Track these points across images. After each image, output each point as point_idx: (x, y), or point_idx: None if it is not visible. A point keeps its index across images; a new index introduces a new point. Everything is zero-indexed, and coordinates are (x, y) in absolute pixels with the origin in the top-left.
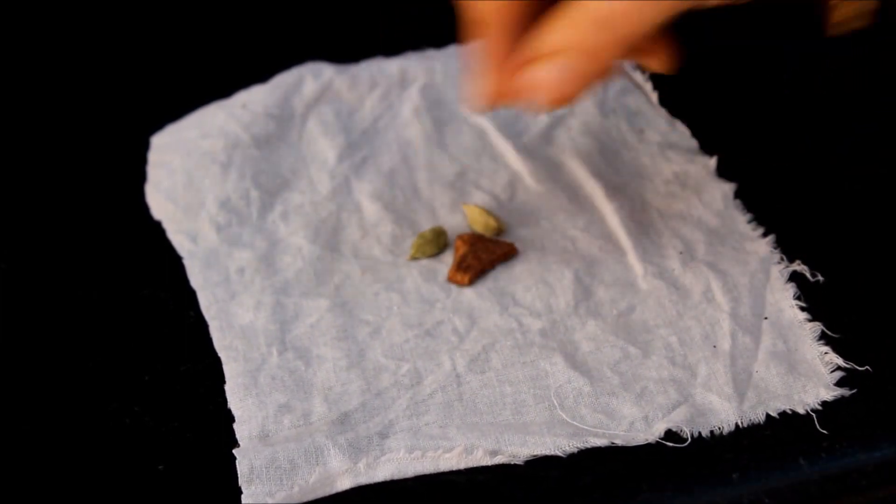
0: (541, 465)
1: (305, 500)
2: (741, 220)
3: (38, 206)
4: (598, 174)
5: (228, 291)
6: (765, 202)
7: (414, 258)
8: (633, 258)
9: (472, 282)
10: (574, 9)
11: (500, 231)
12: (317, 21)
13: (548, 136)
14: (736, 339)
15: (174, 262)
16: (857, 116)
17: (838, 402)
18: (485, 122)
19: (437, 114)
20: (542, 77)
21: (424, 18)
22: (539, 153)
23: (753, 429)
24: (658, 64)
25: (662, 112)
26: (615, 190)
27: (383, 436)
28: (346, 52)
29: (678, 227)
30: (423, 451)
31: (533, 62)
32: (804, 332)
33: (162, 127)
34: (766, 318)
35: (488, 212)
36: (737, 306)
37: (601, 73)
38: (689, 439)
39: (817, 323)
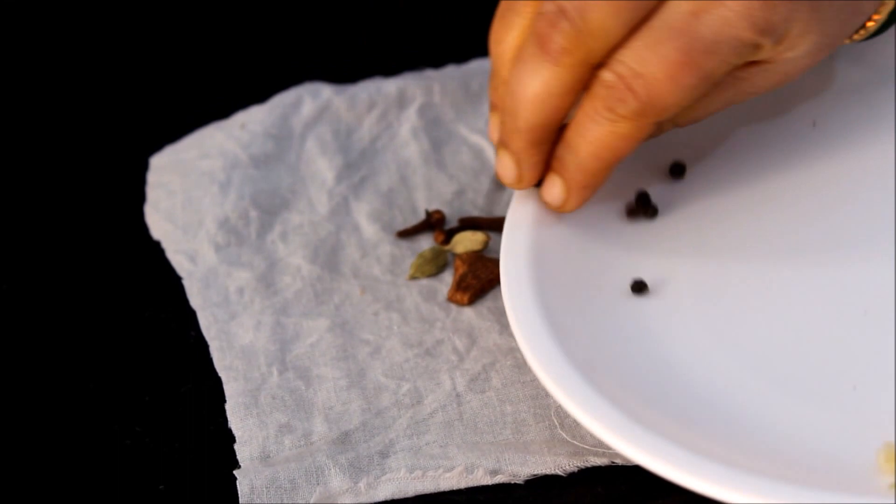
0: (541, 485)
1: None
2: None
3: (38, 227)
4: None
5: (228, 311)
6: None
7: (413, 278)
8: None
9: (471, 301)
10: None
11: (487, 242)
12: (315, 41)
13: None
14: None
15: (174, 283)
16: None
17: None
18: (483, 142)
19: (436, 133)
20: (544, 195)
21: (423, 38)
22: None
23: None
24: None
25: None
26: None
27: (384, 455)
28: (344, 72)
29: None
30: (424, 471)
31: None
32: None
33: (161, 148)
34: None
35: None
36: None
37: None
38: None
39: None
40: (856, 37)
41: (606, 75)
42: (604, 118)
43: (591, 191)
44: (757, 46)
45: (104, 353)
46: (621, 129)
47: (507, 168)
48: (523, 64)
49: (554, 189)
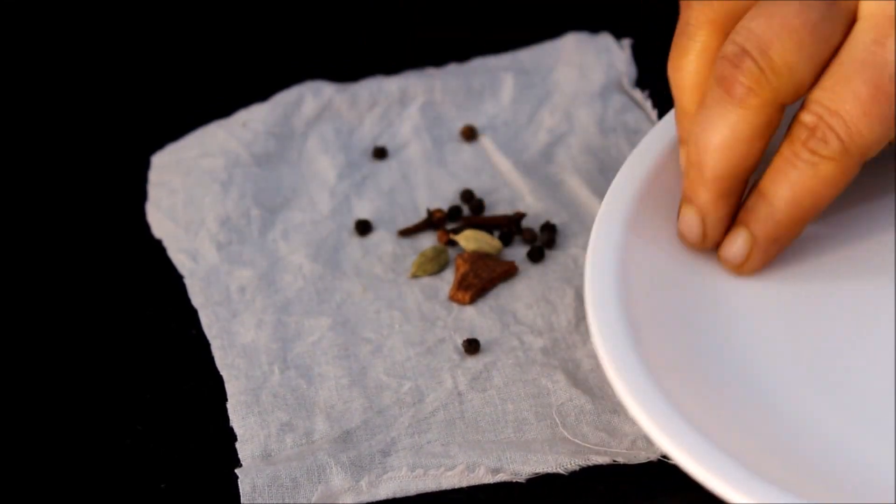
0: (543, 483)
1: None
2: None
3: (39, 226)
4: (598, 192)
5: (229, 310)
6: None
7: (415, 276)
8: None
9: (473, 300)
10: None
11: (501, 249)
12: (316, 40)
13: (548, 154)
14: None
15: (175, 281)
16: None
17: None
18: (485, 141)
19: (437, 132)
20: (724, 252)
21: (424, 37)
22: (539, 171)
23: None
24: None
25: None
26: None
27: (385, 454)
28: (345, 70)
29: None
30: (426, 469)
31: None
32: None
33: (162, 146)
34: None
35: (489, 234)
36: None
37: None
38: None
39: None
40: None
41: (806, 117)
42: (805, 162)
43: (779, 247)
44: None
45: (105, 352)
46: (824, 171)
47: (691, 225)
48: (708, 110)
49: (737, 243)
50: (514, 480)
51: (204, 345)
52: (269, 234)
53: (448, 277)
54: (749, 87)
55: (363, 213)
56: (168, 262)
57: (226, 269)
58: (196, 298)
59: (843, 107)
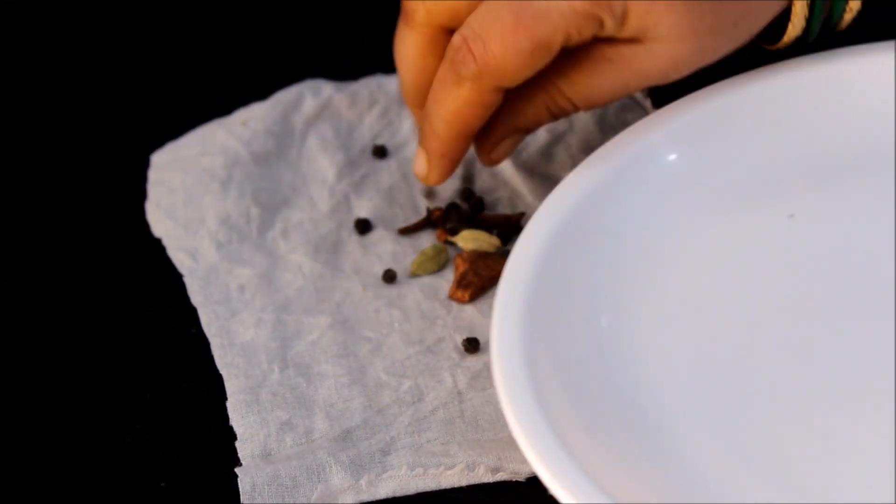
0: (542, 483)
1: None
2: None
3: (39, 224)
4: None
5: (229, 309)
6: None
7: (414, 275)
8: None
9: (472, 298)
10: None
11: (499, 247)
12: (316, 40)
13: (547, 153)
14: None
15: (175, 280)
16: None
17: None
18: None
19: None
20: (413, 167)
21: None
22: (538, 170)
23: None
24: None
25: None
26: None
27: (385, 452)
28: (345, 69)
29: None
30: (425, 468)
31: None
32: None
33: (162, 145)
34: None
35: (487, 232)
36: None
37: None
38: None
39: None
40: (779, 44)
41: (454, 38)
42: (450, 81)
43: (450, 162)
44: (597, 19)
45: (105, 351)
46: (464, 92)
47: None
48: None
49: (419, 160)
50: (513, 479)
51: (203, 344)
52: (269, 233)
53: (448, 276)
54: (413, 8)
55: (362, 211)
56: (167, 260)
57: (225, 267)
58: (195, 297)
59: (486, 31)
